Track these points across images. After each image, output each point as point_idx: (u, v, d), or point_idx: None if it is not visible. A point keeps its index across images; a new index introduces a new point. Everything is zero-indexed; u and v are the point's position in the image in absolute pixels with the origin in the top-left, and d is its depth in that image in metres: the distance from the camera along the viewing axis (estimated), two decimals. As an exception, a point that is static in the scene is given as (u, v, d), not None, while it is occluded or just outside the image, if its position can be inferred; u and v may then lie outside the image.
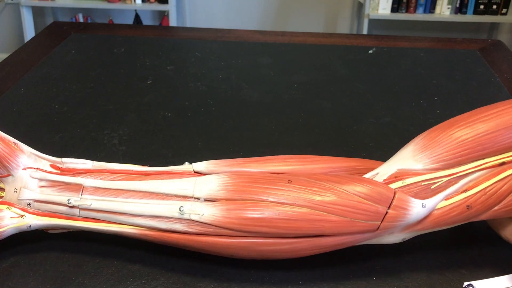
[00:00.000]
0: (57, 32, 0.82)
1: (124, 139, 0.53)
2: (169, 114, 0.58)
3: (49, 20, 2.72)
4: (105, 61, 0.71)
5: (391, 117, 0.58)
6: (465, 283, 0.36)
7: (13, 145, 0.38)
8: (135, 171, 0.38)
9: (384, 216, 0.34)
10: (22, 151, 0.38)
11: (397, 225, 0.35)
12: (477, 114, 0.36)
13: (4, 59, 0.71)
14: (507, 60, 0.73)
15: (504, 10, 2.45)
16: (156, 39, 0.80)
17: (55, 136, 0.53)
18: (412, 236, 0.37)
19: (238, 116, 0.58)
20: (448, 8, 2.45)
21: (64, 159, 0.39)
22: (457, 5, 2.45)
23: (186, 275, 0.36)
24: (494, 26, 2.68)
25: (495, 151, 0.35)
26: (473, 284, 0.35)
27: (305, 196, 0.33)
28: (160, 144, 0.52)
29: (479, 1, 2.43)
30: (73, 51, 0.74)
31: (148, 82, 0.65)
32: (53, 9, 2.74)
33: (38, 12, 2.70)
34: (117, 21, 2.73)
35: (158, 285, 0.36)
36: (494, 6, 2.44)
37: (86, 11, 2.72)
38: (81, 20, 2.65)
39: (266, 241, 0.34)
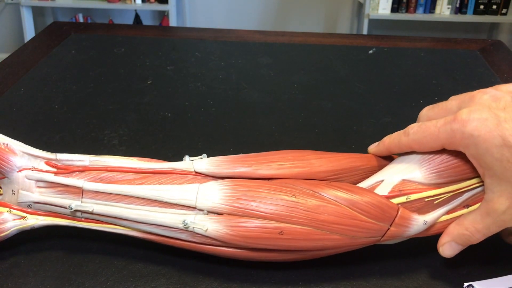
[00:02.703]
0: (57, 32, 0.82)
1: (124, 139, 0.53)
2: (169, 114, 0.58)
3: (49, 20, 2.72)
4: (105, 61, 0.71)
5: (391, 117, 0.58)
6: (466, 284, 0.36)
7: (3, 147, 0.36)
8: (134, 169, 0.38)
9: (385, 232, 0.35)
10: (13, 152, 0.37)
11: (396, 239, 0.36)
12: None
13: (4, 59, 0.71)
14: (507, 60, 0.73)
15: (504, 10, 2.45)
16: (156, 39, 0.80)
17: (55, 136, 0.53)
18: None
19: (238, 116, 0.58)
20: (448, 8, 2.45)
21: (59, 156, 0.38)
22: (457, 5, 2.45)
23: (187, 275, 0.36)
24: (494, 26, 2.68)
25: None
26: (474, 285, 0.35)
27: (309, 215, 0.34)
28: (160, 144, 0.52)
29: (479, 1, 2.43)
30: (73, 51, 0.74)
31: (148, 82, 0.65)
32: (53, 9, 2.74)
33: (38, 12, 2.70)
34: (117, 21, 2.73)
35: (158, 285, 0.36)
36: (494, 6, 2.44)
37: (86, 11, 2.72)
38: (81, 20, 2.66)
39: (269, 254, 0.35)
